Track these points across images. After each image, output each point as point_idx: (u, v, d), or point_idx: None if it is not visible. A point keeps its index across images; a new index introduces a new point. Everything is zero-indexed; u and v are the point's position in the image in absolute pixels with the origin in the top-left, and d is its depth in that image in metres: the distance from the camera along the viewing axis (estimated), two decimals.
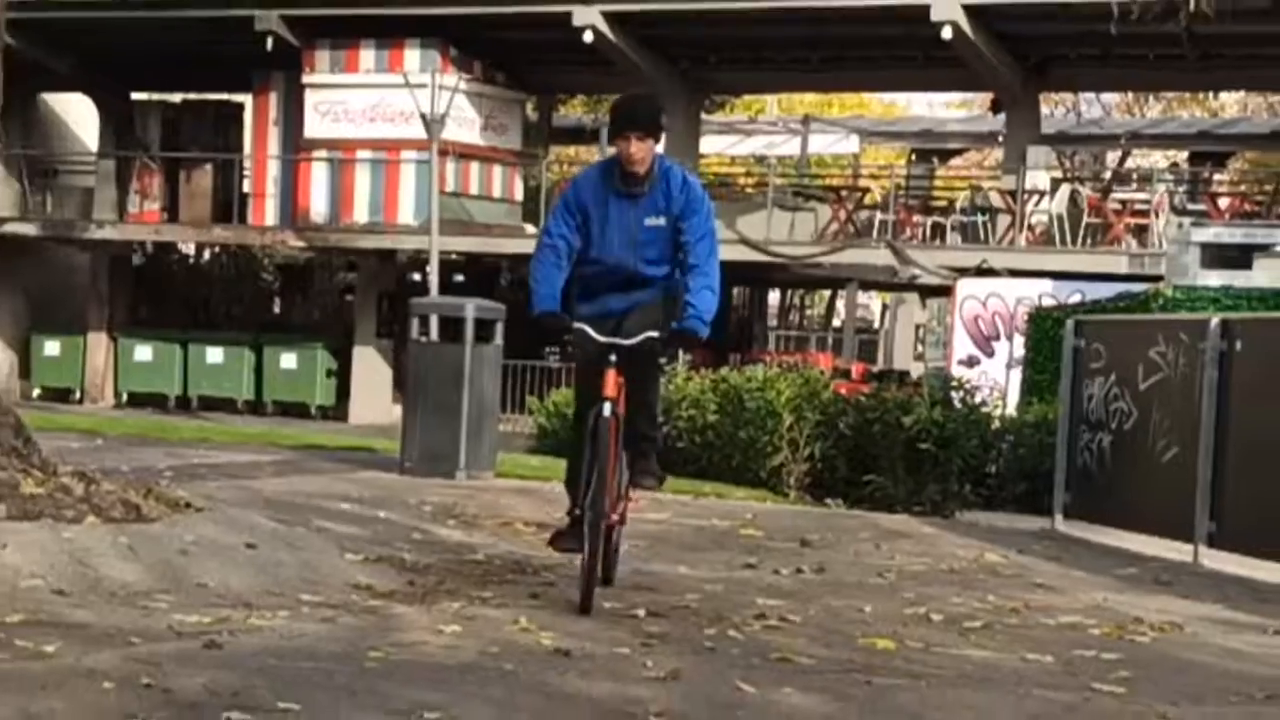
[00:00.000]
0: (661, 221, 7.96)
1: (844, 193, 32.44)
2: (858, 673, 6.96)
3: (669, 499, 14.67)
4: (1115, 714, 6.34)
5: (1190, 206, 30.90)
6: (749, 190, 33.81)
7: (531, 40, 29.78)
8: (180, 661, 6.24)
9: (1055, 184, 29.46)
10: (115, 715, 5.28)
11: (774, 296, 40.87)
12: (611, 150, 8.28)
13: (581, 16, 27.77)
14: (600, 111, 36.11)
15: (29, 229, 31.39)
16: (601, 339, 8.07)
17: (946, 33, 26.36)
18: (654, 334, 8.07)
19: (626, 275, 8.23)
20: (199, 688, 5.77)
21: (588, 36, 28.14)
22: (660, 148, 8.53)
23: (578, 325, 8.13)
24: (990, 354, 24.52)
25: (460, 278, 29.35)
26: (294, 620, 7.42)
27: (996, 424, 17.23)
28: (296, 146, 30.74)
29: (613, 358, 8.01)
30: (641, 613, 8.10)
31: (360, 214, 30.09)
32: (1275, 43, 26.71)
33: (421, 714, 5.64)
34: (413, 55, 28.76)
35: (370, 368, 30.14)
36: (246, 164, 32.42)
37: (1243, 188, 34.70)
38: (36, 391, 31.63)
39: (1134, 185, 35.46)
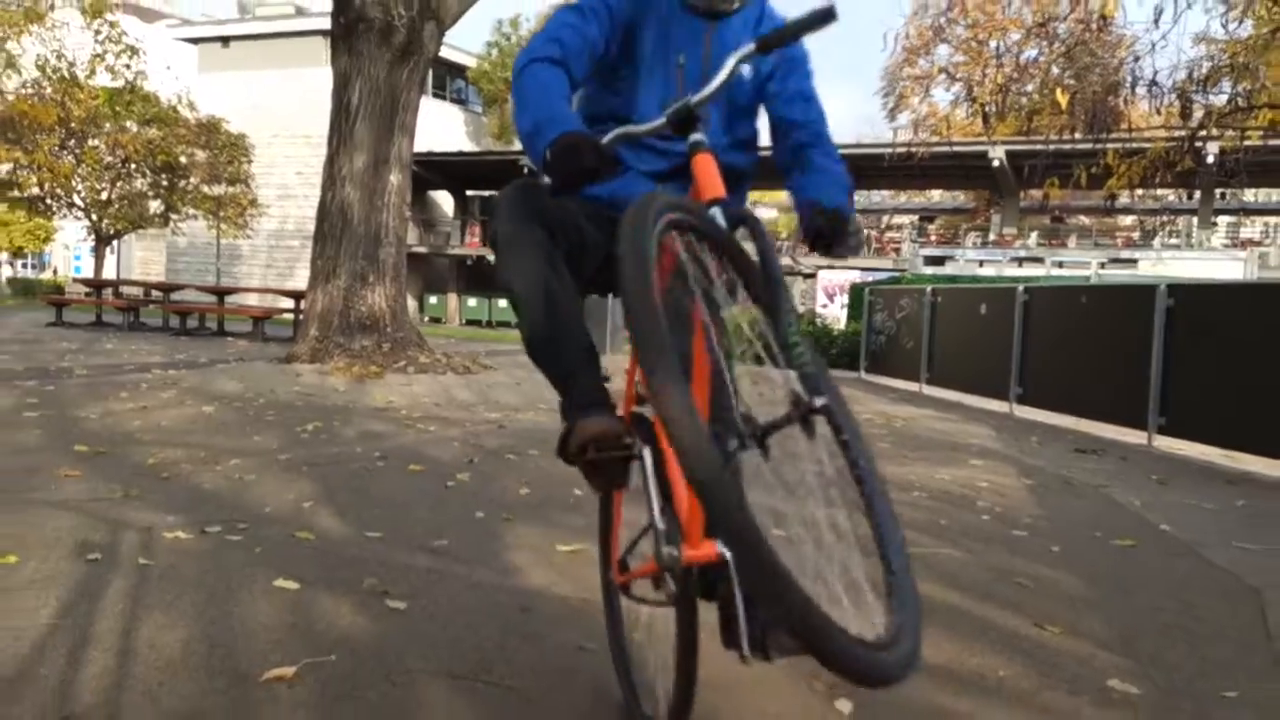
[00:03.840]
0: (750, 72, 1.61)
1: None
2: None
3: None
4: (888, 456, 6.22)
5: (919, 239, 30.44)
6: None
7: None
8: (488, 434, 6.22)
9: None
10: (461, 457, 5.26)
11: None
12: None
13: None
14: None
15: (422, 249, 31.40)
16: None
17: None
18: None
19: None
20: (496, 445, 5.75)
21: None
22: None
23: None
24: (833, 302, 24.16)
25: None
26: (536, 416, 7.38)
27: (836, 332, 16.96)
28: None
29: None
30: None
31: None
32: (953, 169, 26.34)
33: None
34: None
35: None
36: None
37: (941, 231, 34.24)
38: (426, 319, 31.74)
39: (895, 230, 34.83)
